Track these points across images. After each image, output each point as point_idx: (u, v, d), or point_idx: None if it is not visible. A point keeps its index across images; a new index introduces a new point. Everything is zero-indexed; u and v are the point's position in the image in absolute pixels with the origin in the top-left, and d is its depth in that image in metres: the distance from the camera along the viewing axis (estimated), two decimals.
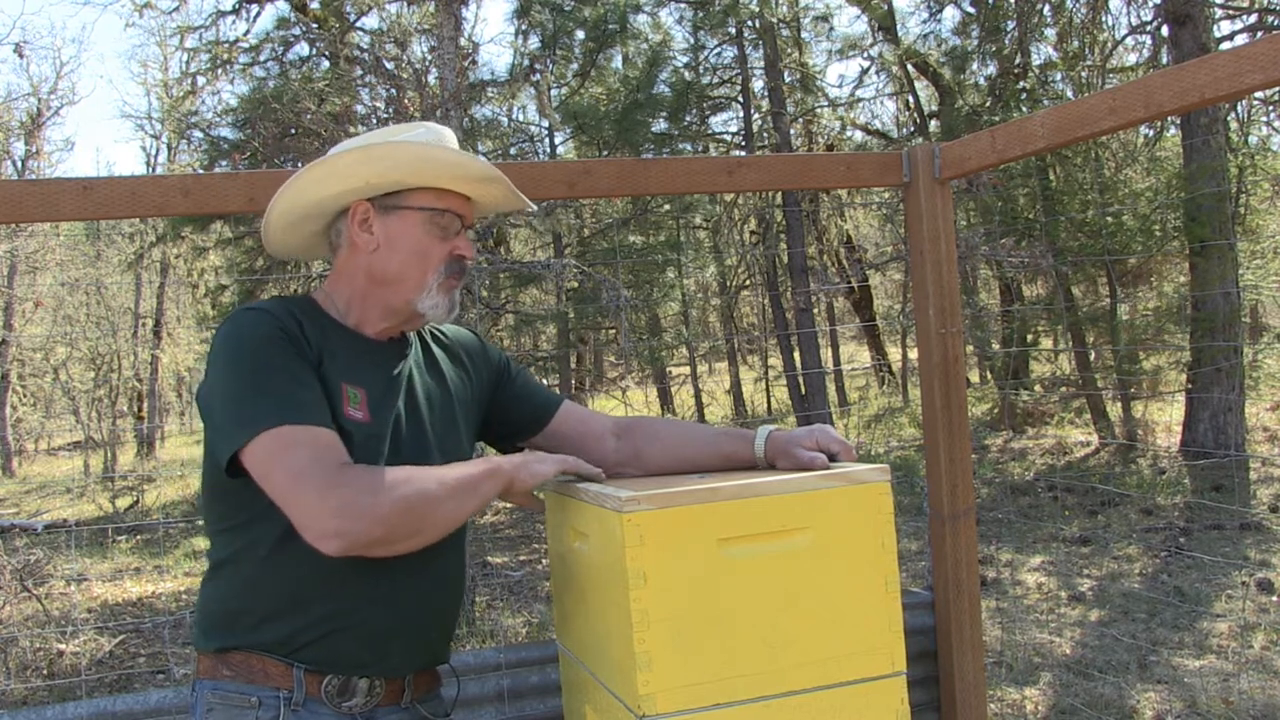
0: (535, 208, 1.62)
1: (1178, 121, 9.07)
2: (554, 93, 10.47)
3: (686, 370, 15.26)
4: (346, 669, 1.40)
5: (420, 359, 1.56)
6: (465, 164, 1.45)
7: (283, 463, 1.27)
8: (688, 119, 11.37)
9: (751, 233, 13.29)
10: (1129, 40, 10.43)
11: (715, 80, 11.87)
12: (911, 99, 12.60)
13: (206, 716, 1.37)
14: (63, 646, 5.44)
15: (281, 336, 1.36)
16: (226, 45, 8.53)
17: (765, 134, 11.74)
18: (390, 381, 1.47)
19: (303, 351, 1.37)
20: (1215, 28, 9.30)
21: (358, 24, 8.12)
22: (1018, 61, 10.10)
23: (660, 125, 10.62)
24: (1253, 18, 9.34)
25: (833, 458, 1.47)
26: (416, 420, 1.48)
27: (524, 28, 9.75)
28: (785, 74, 11.36)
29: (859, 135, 13.26)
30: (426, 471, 1.33)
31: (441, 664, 1.56)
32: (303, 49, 8.32)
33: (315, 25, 7.83)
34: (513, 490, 1.42)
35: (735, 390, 14.45)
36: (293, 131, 7.62)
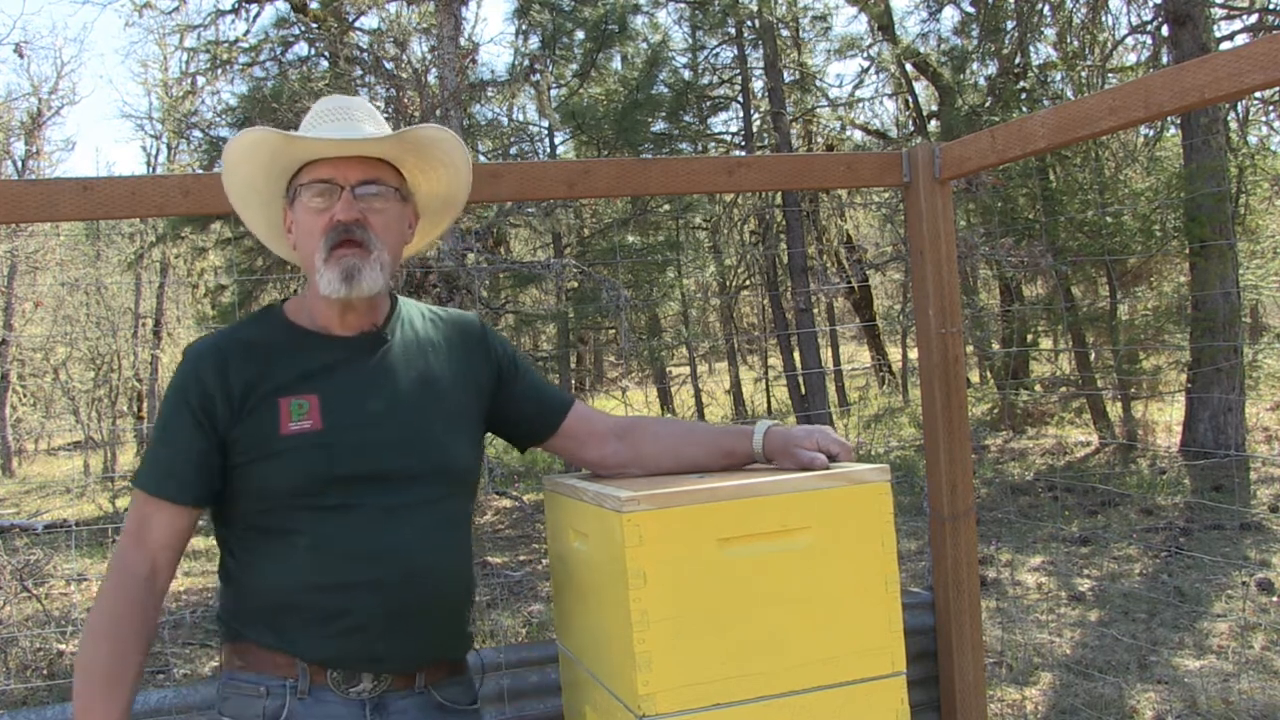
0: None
1: (1178, 121, 9.07)
2: (554, 93, 10.46)
3: (686, 370, 15.26)
4: (348, 664, 1.41)
5: (407, 349, 1.51)
6: (317, 128, 1.46)
7: (126, 523, 1.43)
8: (687, 119, 11.37)
9: (751, 233, 13.28)
10: (1129, 40, 10.44)
11: (715, 80, 11.87)
12: (911, 99, 12.60)
13: (223, 705, 1.43)
14: (63, 646, 5.43)
15: (188, 386, 1.41)
16: (226, 45, 8.52)
17: (765, 134, 11.73)
18: (358, 381, 1.45)
19: (205, 400, 1.40)
20: (1215, 28, 9.30)
21: (356, 24, 8.11)
22: (1017, 61, 10.09)
23: (660, 125, 10.61)
24: (1253, 18, 9.33)
25: (832, 459, 1.46)
26: (394, 416, 1.45)
27: (524, 28, 9.75)
28: (785, 74, 11.36)
29: (859, 135, 13.26)
30: (125, 608, 1.39)
31: (453, 658, 1.53)
32: (302, 49, 8.31)
33: (314, 25, 7.82)
34: None
35: (735, 390, 14.45)
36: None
